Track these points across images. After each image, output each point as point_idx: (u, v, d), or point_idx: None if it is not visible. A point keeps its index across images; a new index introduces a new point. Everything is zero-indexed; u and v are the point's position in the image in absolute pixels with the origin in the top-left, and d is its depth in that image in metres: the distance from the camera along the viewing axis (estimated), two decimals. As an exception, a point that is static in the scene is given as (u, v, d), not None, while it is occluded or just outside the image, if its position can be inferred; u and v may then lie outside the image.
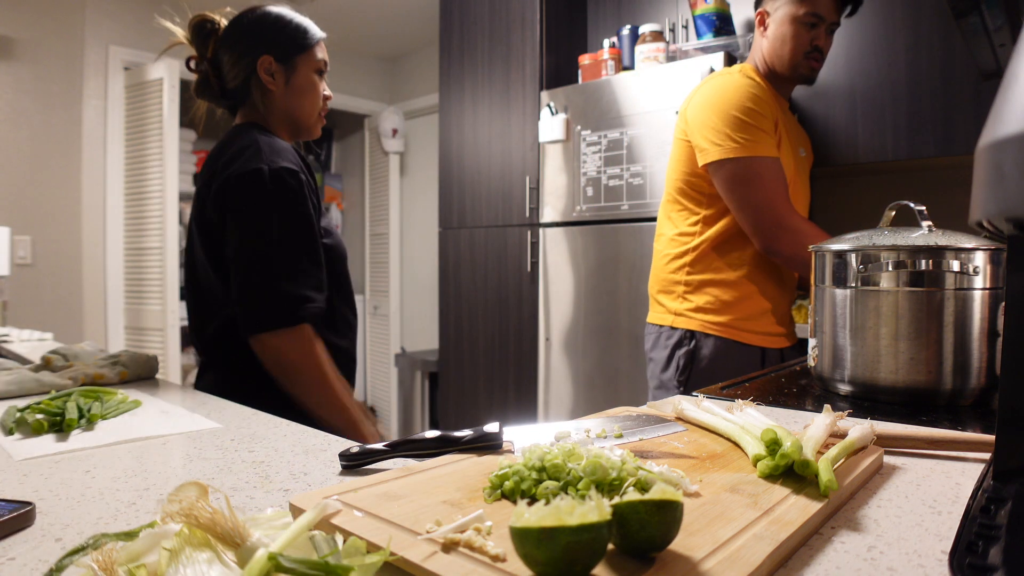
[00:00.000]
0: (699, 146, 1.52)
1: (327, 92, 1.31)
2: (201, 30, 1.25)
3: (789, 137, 1.61)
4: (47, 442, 0.74)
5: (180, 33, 1.26)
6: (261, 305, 1.09)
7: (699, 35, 2.38)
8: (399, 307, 4.59)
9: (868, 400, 0.98)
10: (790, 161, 1.59)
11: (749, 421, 0.65)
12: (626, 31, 2.54)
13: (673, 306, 1.59)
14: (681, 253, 1.58)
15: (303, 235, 1.13)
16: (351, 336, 1.31)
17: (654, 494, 0.39)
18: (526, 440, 0.65)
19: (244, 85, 1.23)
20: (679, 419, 0.75)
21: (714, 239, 1.54)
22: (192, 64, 1.27)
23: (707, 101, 1.53)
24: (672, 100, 2.16)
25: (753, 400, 0.80)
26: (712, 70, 2.06)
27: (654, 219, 2.21)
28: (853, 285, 0.98)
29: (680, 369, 1.56)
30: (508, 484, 0.50)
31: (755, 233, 1.48)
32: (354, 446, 0.66)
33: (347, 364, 1.28)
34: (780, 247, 1.46)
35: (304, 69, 1.25)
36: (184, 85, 3.37)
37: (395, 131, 4.47)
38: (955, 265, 0.91)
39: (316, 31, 1.28)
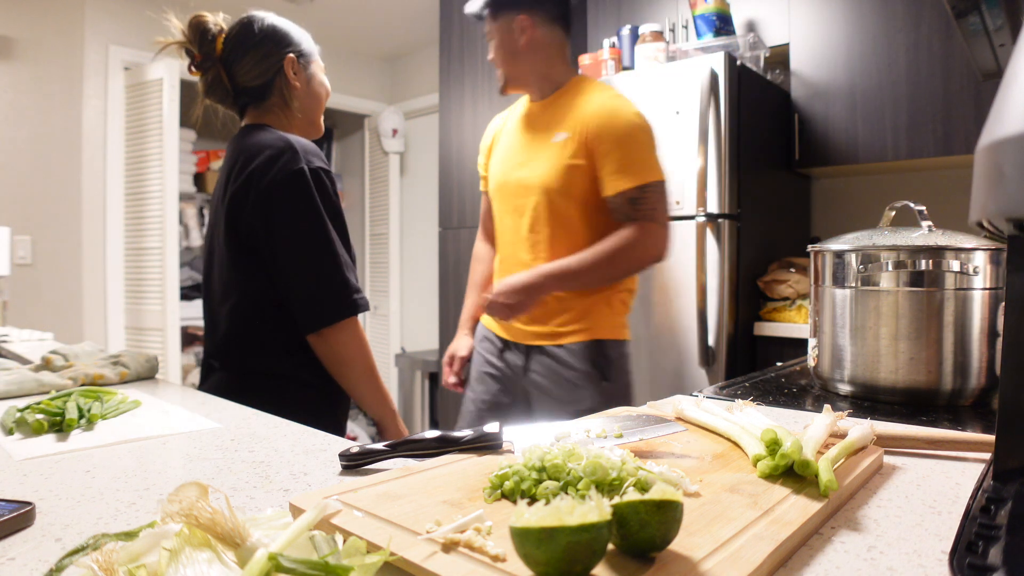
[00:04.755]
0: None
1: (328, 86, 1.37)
2: (205, 31, 1.25)
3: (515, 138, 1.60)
4: (47, 442, 0.74)
5: (179, 34, 1.26)
6: (322, 302, 1.14)
7: (699, 35, 2.38)
8: (399, 307, 4.59)
9: (868, 400, 0.98)
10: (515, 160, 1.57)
11: (749, 421, 0.65)
12: (626, 31, 2.54)
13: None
14: None
15: (342, 231, 1.19)
16: None
17: (654, 494, 0.39)
18: (526, 440, 0.65)
19: (266, 84, 1.25)
20: (679, 419, 0.75)
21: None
22: (195, 64, 1.27)
23: None
24: (672, 100, 2.16)
25: (753, 400, 0.80)
26: (712, 70, 2.06)
27: (654, 219, 2.21)
28: (853, 285, 0.98)
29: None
30: (508, 484, 0.50)
31: None
32: (354, 446, 0.66)
33: None
34: None
35: (316, 70, 1.32)
36: (184, 85, 3.37)
37: (395, 131, 4.47)
38: (955, 265, 0.91)
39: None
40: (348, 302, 1.15)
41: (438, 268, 3.07)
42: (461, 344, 1.73)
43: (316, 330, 1.15)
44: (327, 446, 0.73)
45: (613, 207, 1.44)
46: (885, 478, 0.60)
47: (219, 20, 1.26)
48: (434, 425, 3.94)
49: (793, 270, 2.21)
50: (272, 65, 1.25)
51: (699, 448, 0.64)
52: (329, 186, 1.18)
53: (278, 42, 1.25)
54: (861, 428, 0.62)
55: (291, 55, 1.26)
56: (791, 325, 2.12)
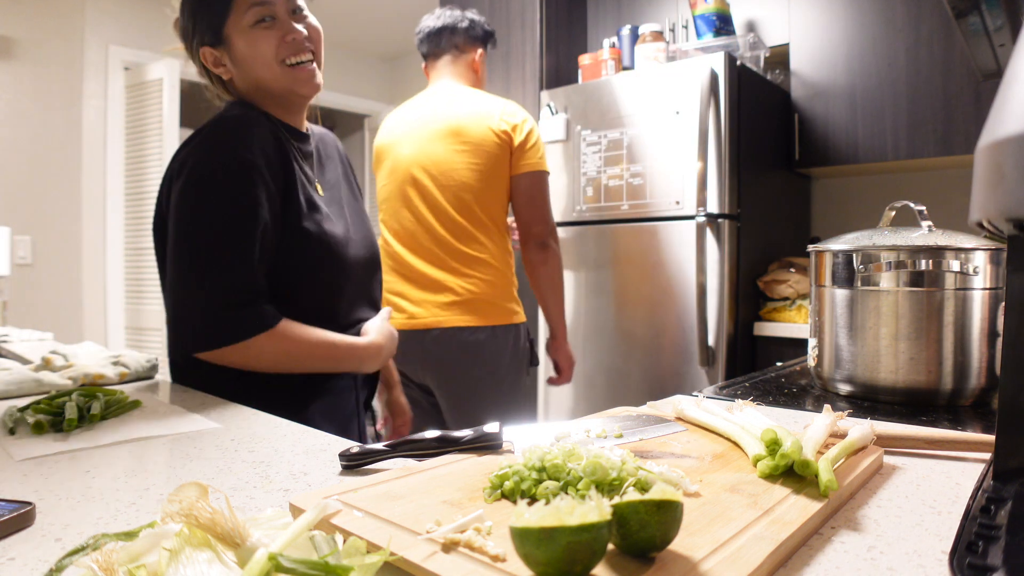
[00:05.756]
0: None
1: (292, 31, 1.05)
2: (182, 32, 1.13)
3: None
4: (47, 442, 0.74)
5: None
6: (186, 324, 1.00)
7: (699, 35, 2.38)
8: (399, 307, 4.59)
9: (868, 400, 0.98)
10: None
11: (749, 421, 0.65)
12: (626, 31, 2.54)
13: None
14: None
15: (250, 226, 1.01)
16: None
17: (654, 494, 0.39)
18: (526, 440, 0.65)
19: (217, 82, 1.12)
20: (679, 419, 0.75)
21: None
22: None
23: None
24: (672, 100, 2.16)
25: (753, 400, 0.80)
26: (712, 70, 2.06)
27: (654, 219, 2.21)
28: (853, 285, 0.98)
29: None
30: (508, 484, 0.50)
31: None
32: (354, 446, 0.66)
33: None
34: None
35: (237, 36, 1.05)
36: (184, 85, 3.37)
37: (395, 131, 4.46)
38: (955, 265, 0.91)
39: None
40: (213, 328, 0.95)
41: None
42: None
43: (191, 355, 0.98)
44: (327, 446, 0.73)
45: None
46: (885, 478, 0.60)
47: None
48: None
49: (793, 270, 2.21)
50: (200, 67, 1.11)
51: (699, 448, 0.64)
52: (236, 180, 0.97)
53: (188, 37, 1.09)
54: (861, 428, 0.62)
55: (203, 48, 1.07)
56: (791, 325, 2.12)
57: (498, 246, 1.73)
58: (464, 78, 1.85)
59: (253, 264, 0.98)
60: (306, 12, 1.10)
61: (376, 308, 1.24)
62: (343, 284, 1.13)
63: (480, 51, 1.87)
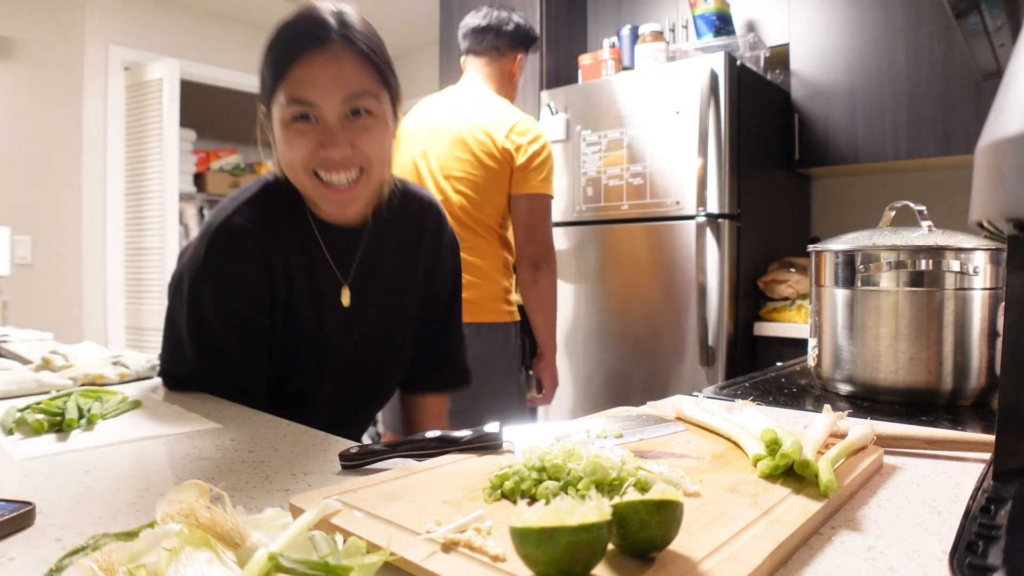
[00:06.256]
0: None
1: (331, 145, 0.85)
2: None
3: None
4: (47, 442, 0.74)
5: None
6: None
7: (699, 35, 2.38)
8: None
9: (868, 400, 0.98)
10: None
11: (749, 421, 0.65)
12: (626, 31, 2.54)
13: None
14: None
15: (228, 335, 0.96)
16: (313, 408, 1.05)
17: (654, 494, 0.39)
18: (526, 440, 0.65)
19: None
20: (679, 419, 0.75)
21: None
22: None
23: None
24: (672, 100, 2.16)
25: (753, 400, 0.80)
26: (712, 70, 2.06)
27: (654, 219, 2.21)
28: (853, 285, 0.98)
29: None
30: (508, 484, 0.50)
31: None
32: (354, 446, 0.66)
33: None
34: None
35: (276, 120, 0.88)
36: (184, 85, 3.37)
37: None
38: (955, 265, 0.91)
39: (299, 42, 0.85)
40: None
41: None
42: None
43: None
44: (327, 446, 0.73)
45: None
46: (885, 478, 0.60)
47: None
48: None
49: (793, 270, 2.21)
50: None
51: (699, 448, 0.64)
52: (214, 302, 0.92)
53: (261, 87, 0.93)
54: (861, 428, 0.62)
55: (260, 103, 0.92)
56: (791, 325, 2.12)
57: (488, 253, 1.75)
58: (495, 81, 1.86)
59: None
60: (370, 115, 0.87)
61: (355, 391, 1.12)
62: (319, 383, 1.04)
63: (520, 56, 1.88)
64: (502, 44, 1.83)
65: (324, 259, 0.98)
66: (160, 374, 1.06)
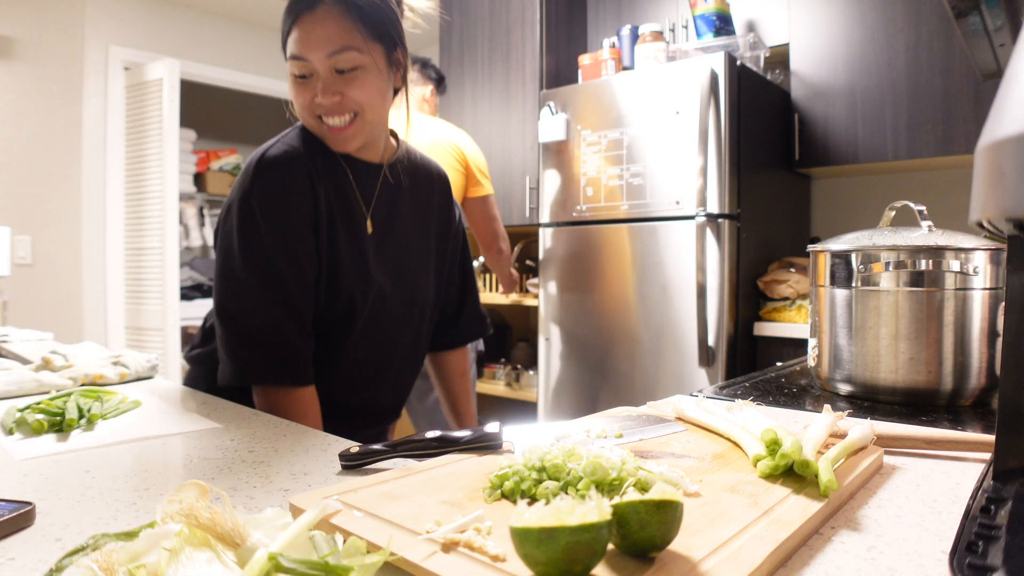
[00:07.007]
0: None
1: (325, 94, 0.97)
2: None
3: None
4: (47, 442, 0.74)
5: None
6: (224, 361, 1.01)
7: (699, 35, 2.38)
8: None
9: (868, 400, 0.98)
10: None
11: (749, 421, 0.65)
12: (626, 31, 2.54)
13: None
14: None
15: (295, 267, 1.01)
16: (351, 386, 1.11)
17: (654, 494, 0.39)
18: (526, 440, 0.65)
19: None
20: (679, 419, 0.75)
21: None
22: None
23: None
24: (672, 100, 2.16)
25: (753, 400, 0.80)
26: (712, 70, 2.06)
27: (654, 219, 2.21)
28: (853, 285, 0.98)
29: None
30: (508, 484, 0.50)
31: None
32: (354, 446, 0.66)
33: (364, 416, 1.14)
34: None
35: (287, 66, 1.02)
36: (184, 85, 3.37)
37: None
38: (955, 265, 0.91)
39: (296, 7, 0.97)
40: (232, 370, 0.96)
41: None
42: None
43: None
44: (327, 446, 0.73)
45: None
46: (885, 478, 0.60)
47: None
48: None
49: (793, 270, 2.21)
50: None
51: (699, 448, 0.64)
52: (264, 217, 0.97)
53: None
54: (861, 428, 0.62)
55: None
56: (791, 325, 2.12)
57: None
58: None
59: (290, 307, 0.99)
60: (356, 72, 0.98)
61: (388, 352, 1.14)
62: (350, 327, 1.07)
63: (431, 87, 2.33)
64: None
65: (352, 188, 1.06)
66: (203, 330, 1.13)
